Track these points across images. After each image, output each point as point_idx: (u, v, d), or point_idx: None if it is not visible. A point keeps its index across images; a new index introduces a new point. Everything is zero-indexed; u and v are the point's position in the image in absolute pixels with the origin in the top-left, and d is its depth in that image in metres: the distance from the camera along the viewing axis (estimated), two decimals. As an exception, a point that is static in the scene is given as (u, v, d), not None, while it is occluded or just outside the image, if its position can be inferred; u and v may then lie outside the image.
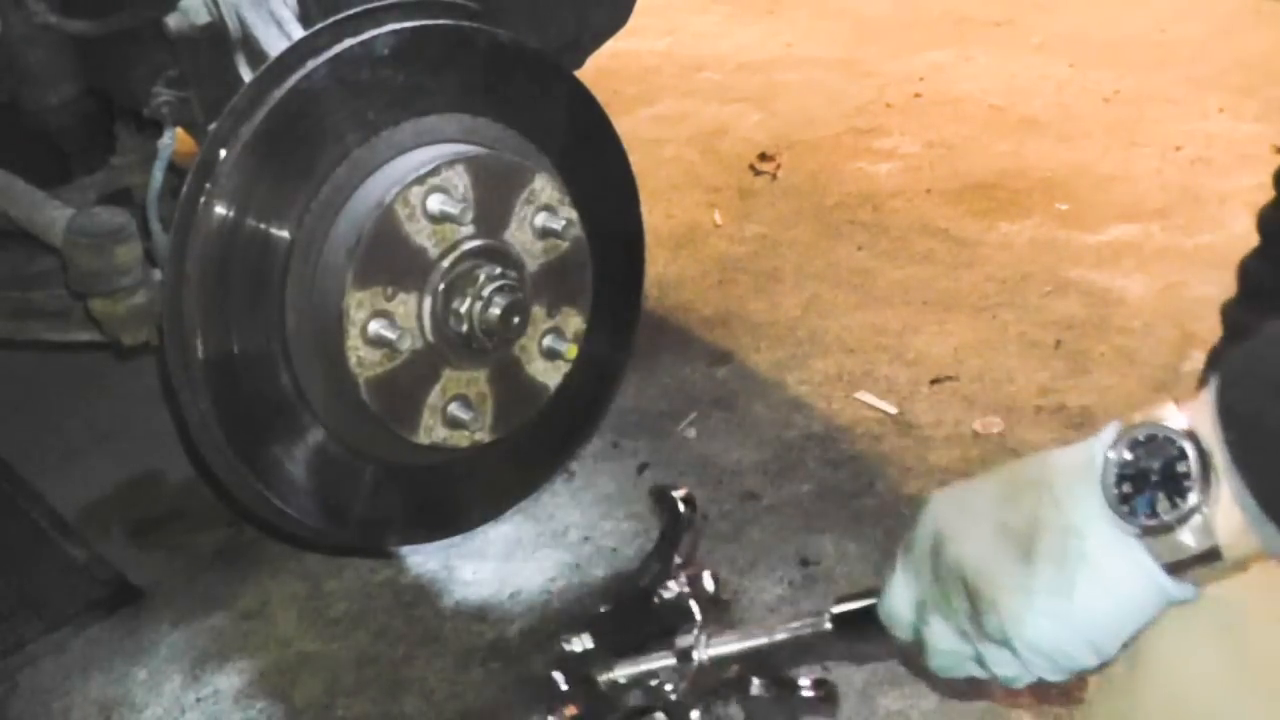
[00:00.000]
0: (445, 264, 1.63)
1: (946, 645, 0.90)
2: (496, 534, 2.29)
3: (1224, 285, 1.21)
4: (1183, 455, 0.77)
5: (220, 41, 1.77)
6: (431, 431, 1.69)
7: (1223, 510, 0.76)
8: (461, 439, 1.72)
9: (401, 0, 1.68)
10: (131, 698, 2.03)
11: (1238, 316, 1.15)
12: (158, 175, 1.80)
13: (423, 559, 2.26)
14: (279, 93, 1.57)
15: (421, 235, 1.61)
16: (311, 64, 1.59)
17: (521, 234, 1.71)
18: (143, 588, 2.26)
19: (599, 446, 2.49)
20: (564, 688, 1.12)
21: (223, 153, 1.56)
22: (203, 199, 1.56)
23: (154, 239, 1.80)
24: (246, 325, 1.61)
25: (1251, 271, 1.15)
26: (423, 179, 1.59)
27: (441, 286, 1.63)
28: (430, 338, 1.65)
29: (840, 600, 1.02)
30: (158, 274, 1.79)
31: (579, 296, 1.80)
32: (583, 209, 1.77)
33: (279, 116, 1.57)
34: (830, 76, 4.42)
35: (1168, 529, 0.77)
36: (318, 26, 1.62)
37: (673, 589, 1.11)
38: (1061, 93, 4.13)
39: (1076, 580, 0.80)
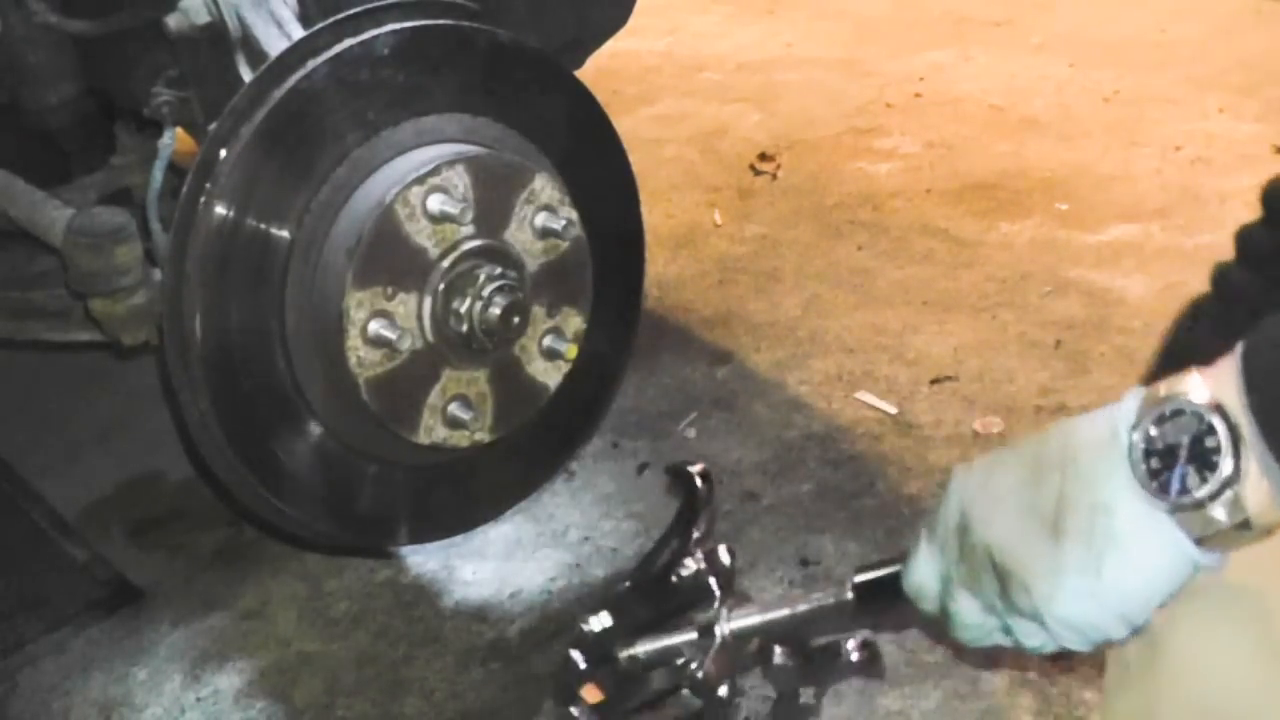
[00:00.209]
0: (445, 264, 1.63)
1: (974, 619, 0.89)
2: (496, 534, 2.29)
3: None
4: (1211, 430, 0.76)
5: (220, 41, 1.77)
6: (431, 431, 1.69)
7: (1251, 482, 0.76)
8: (461, 439, 1.72)
9: (401, 0, 1.68)
10: (131, 698, 2.03)
11: (1234, 277, 1.14)
12: (158, 175, 1.80)
13: (423, 559, 2.26)
14: (279, 93, 1.57)
15: (421, 235, 1.61)
16: (311, 64, 1.59)
17: (521, 234, 1.71)
18: (143, 588, 2.26)
19: (599, 446, 2.49)
20: (583, 666, 1.10)
21: (223, 153, 1.57)
22: (203, 199, 1.56)
23: (154, 239, 1.80)
24: (246, 325, 1.61)
25: (1255, 238, 1.14)
26: (423, 179, 1.59)
27: (441, 286, 1.63)
28: (430, 338, 1.65)
29: (861, 570, 1.02)
30: (158, 274, 1.79)
31: (579, 296, 1.80)
32: (583, 209, 1.77)
33: (279, 116, 1.57)
34: (830, 76, 4.42)
35: (1199, 505, 0.77)
36: (318, 26, 1.62)
37: (690, 566, 1.11)
38: (1061, 93, 4.13)
39: (1106, 558, 0.80)
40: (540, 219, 1.71)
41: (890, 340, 2.81)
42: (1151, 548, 0.79)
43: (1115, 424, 0.81)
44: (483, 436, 1.74)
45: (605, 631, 1.11)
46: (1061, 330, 2.77)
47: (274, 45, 1.71)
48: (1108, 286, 2.94)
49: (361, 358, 1.59)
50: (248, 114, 1.57)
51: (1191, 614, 0.84)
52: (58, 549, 2.36)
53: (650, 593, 1.13)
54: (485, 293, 1.64)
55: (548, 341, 1.77)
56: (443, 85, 1.70)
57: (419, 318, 1.63)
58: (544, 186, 1.71)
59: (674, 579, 1.12)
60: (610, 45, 2.71)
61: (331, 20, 1.62)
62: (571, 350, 1.79)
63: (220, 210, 1.56)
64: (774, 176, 3.70)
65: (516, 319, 1.67)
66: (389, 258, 1.59)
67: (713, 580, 1.10)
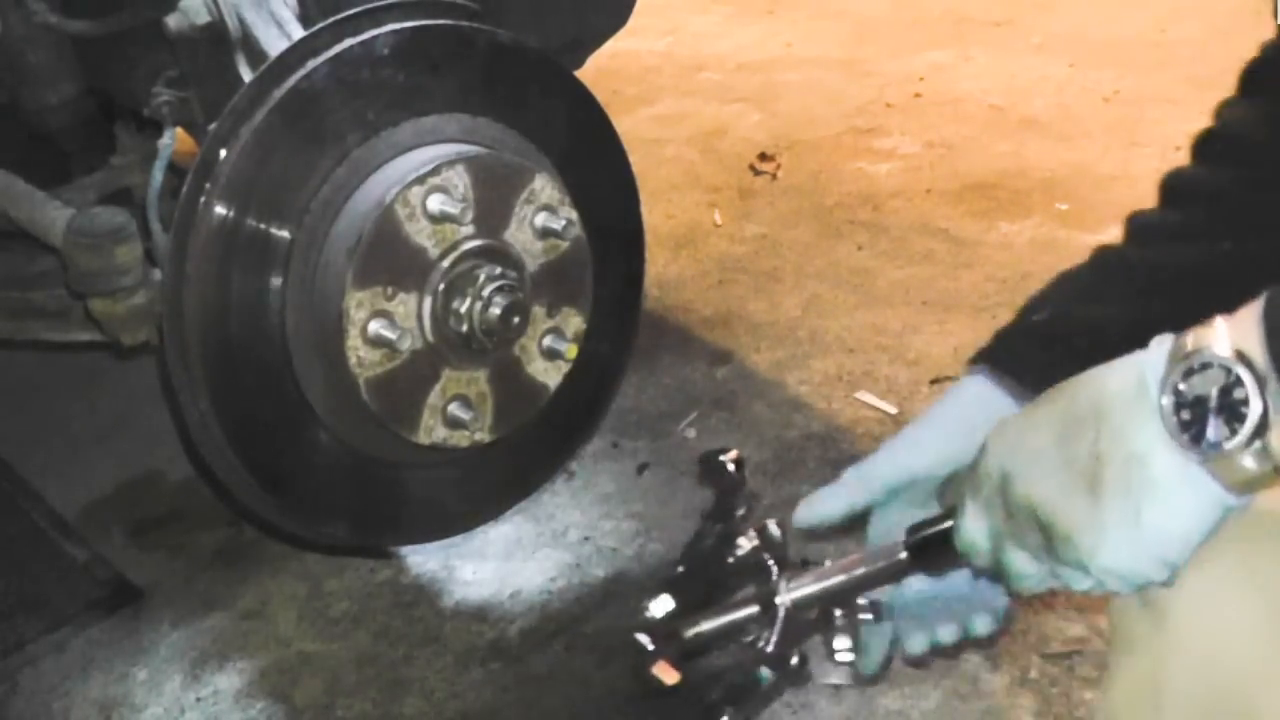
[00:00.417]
0: (445, 264, 1.63)
1: (1025, 569, 0.92)
2: (496, 534, 2.29)
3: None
4: (1239, 382, 0.79)
5: (220, 41, 1.77)
6: (432, 431, 1.69)
7: (1277, 428, 0.78)
8: (462, 439, 1.72)
9: (401, 0, 1.68)
10: (131, 698, 2.03)
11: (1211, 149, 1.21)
12: (158, 175, 1.80)
13: (423, 559, 2.26)
14: (279, 93, 1.57)
15: (421, 235, 1.61)
16: (311, 64, 1.59)
17: (521, 234, 1.70)
18: (143, 588, 2.26)
19: (599, 446, 2.49)
20: (650, 648, 1.11)
21: (223, 153, 1.56)
22: (203, 199, 1.56)
23: (154, 239, 1.80)
24: (246, 325, 1.61)
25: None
26: (423, 179, 1.59)
27: (441, 286, 1.63)
28: (430, 338, 1.64)
29: (913, 530, 1.04)
30: (158, 274, 1.79)
31: (579, 296, 1.80)
32: (583, 209, 1.76)
33: (279, 116, 1.57)
34: (830, 76, 4.42)
35: (1229, 455, 0.79)
36: (318, 26, 1.62)
37: (744, 544, 1.14)
38: (1061, 93, 4.13)
39: (1144, 507, 0.82)
40: (540, 219, 1.71)
41: (890, 340, 2.81)
42: (1187, 495, 0.82)
43: (1143, 375, 0.83)
44: (483, 436, 1.74)
45: (668, 615, 1.13)
46: (1061, 330, 2.76)
47: (274, 45, 1.71)
48: (1108, 286, 2.93)
49: (361, 358, 1.59)
50: (248, 114, 1.57)
51: (1197, 583, 0.86)
52: (58, 549, 2.36)
53: (707, 574, 1.15)
54: (485, 293, 1.64)
55: (548, 341, 1.77)
56: (443, 85, 1.70)
57: (419, 318, 1.63)
58: (544, 186, 1.71)
59: (729, 559, 1.14)
60: (610, 45, 2.71)
61: (331, 20, 1.62)
62: (571, 350, 1.79)
63: (220, 210, 1.56)
64: (774, 176, 3.70)
65: (516, 319, 1.67)
66: (389, 258, 1.59)
67: (768, 555, 1.13)
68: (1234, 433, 0.79)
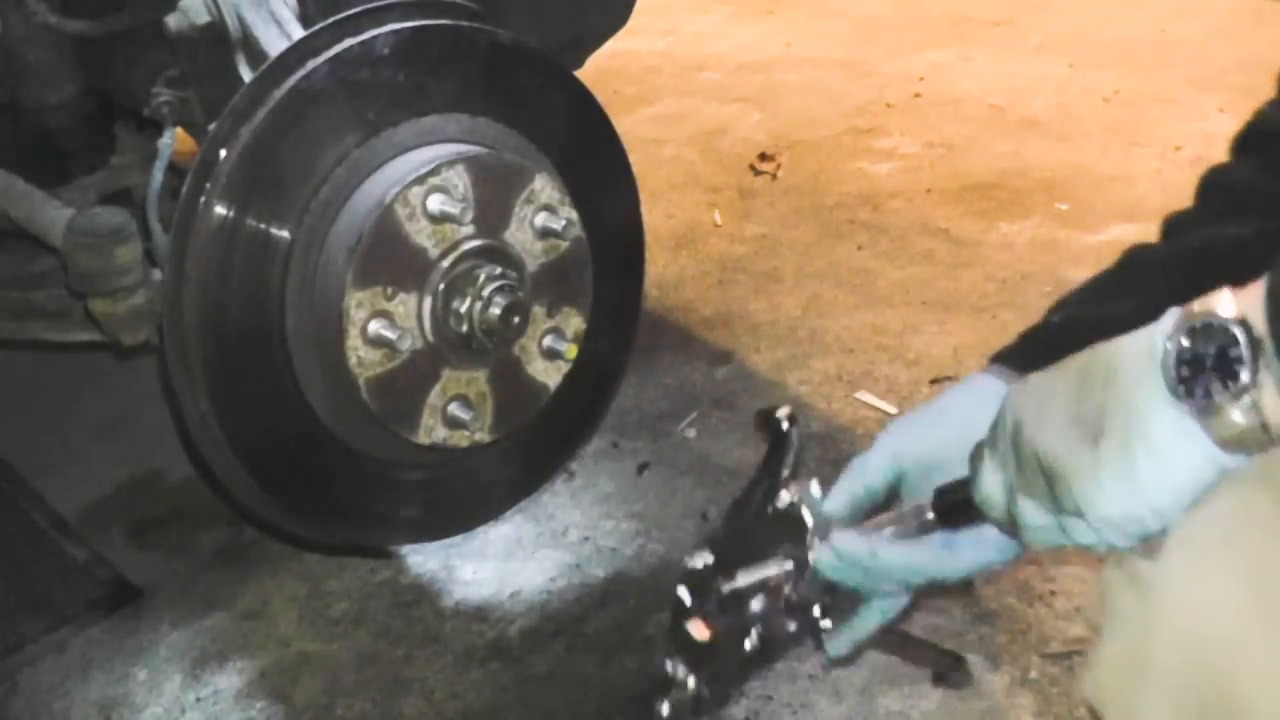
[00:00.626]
0: (445, 264, 1.63)
1: (1036, 521, 0.97)
2: (496, 534, 2.29)
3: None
4: (1235, 342, 0.83)
5: (220, 41, 1.77)
6: (432, 432, 1.69)
7: (1269, 390, 0.82)
8: (461, 439, 1.72)
9: (401, 0, 1.68)
10: (131, 698, 2.03)
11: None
12: (158, 175, 1.80)
13: (423, 559, 2.26)
14: (279, 93, 1.57)
15: (421, 235, 1.61)
16: (311, 64, 1.59)
17: (521, 234, 1.71)
18: (143, 588, 2.26)
19: (599, 446, 2.49)
20: (688, 603, 1.17)
21: (223, 153, 1.56)
22: (203, 199, 1.56)
23: (154, 239, 1.80)
24: (246, 325, 1.61)
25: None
26: (423, 179, 1.59)
27: (441, 286, 1.63)
28: (430, 338, 1.64)
29: (941, 490, 1.10)
30: (158, 274, 1.79)
31: (579, 296, 1.80)
32: (583, 209, 1.77)
33: (279, 116, 1.57)
34: (830, 76, 4.42)
35: (1220, 409, 0.83)
36: (318, 26, 1.62)
37: (784, 499, 1.20)
38: (1061, 93, 4.13)
39: (1139, 457, 0.87)
40: (540, 219, 1.71)
41: (890, 340, 2.81)
42: (1180, 447, 0.86)
43: (1154, 338, 0.88)
44: (483, 437, 1.74)
45: (707, 568, 1.18)
46: (1061, 330, 2.77)
47: (274, 45, 1.71)
48: (1108, 286, 2.93)
49: (361, 358, 1.59)
50: (248, 114, 1.57)
51: (1184, 557, 0.88)
52: (58, 549, 2.36)
53: (747, 529, 1.21)
54: (485, 293, 1.64)
55: (548, 341, 1.77)
56: (443, 85, 1.70)
57: (419, 318, 1.63)
58: (544, 186, 1.71)
59: (770, 510, 1.20)
60: (610, 45, 2.71)
61: (331, 20, 1.62)
62: (571, 350, 1.79)
63: (220, 210, 1.56)
64: (774, 176, 3.71)
65: (516, 319, 1.67)
66: (389, 258, 1.59)
67: (805, 511, 1.19)
68: (1226, 388, 0.83)
